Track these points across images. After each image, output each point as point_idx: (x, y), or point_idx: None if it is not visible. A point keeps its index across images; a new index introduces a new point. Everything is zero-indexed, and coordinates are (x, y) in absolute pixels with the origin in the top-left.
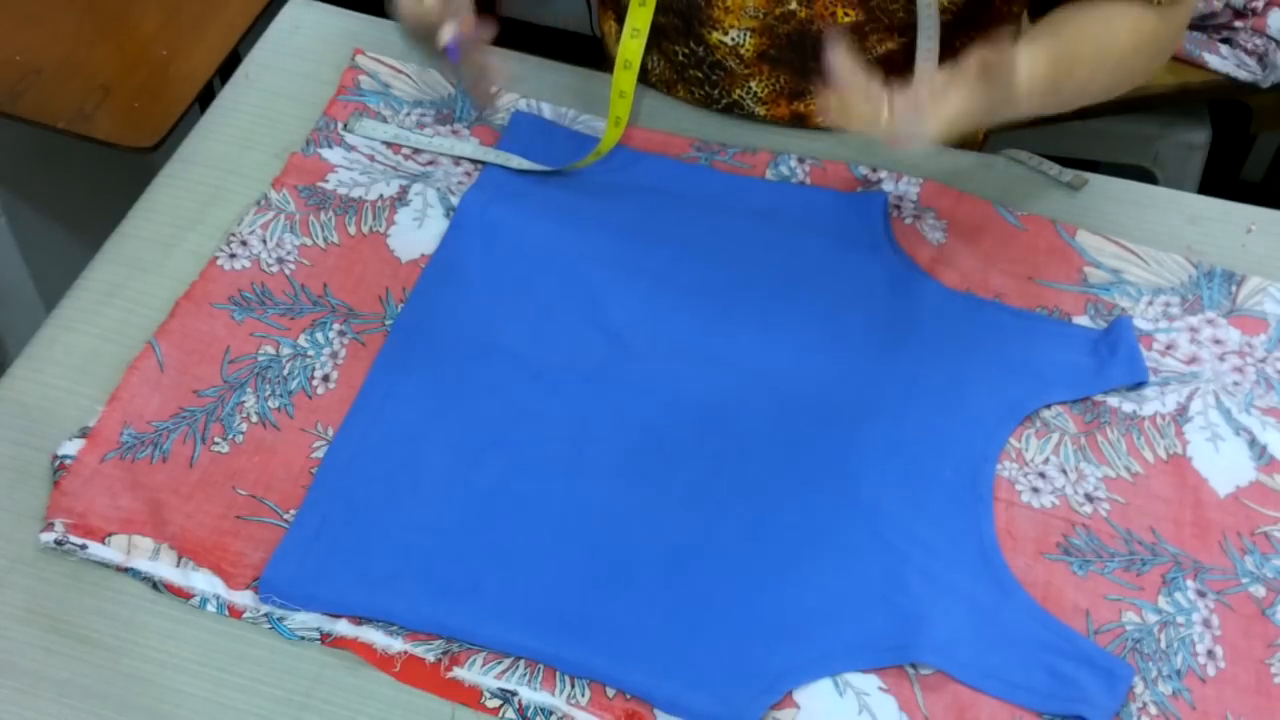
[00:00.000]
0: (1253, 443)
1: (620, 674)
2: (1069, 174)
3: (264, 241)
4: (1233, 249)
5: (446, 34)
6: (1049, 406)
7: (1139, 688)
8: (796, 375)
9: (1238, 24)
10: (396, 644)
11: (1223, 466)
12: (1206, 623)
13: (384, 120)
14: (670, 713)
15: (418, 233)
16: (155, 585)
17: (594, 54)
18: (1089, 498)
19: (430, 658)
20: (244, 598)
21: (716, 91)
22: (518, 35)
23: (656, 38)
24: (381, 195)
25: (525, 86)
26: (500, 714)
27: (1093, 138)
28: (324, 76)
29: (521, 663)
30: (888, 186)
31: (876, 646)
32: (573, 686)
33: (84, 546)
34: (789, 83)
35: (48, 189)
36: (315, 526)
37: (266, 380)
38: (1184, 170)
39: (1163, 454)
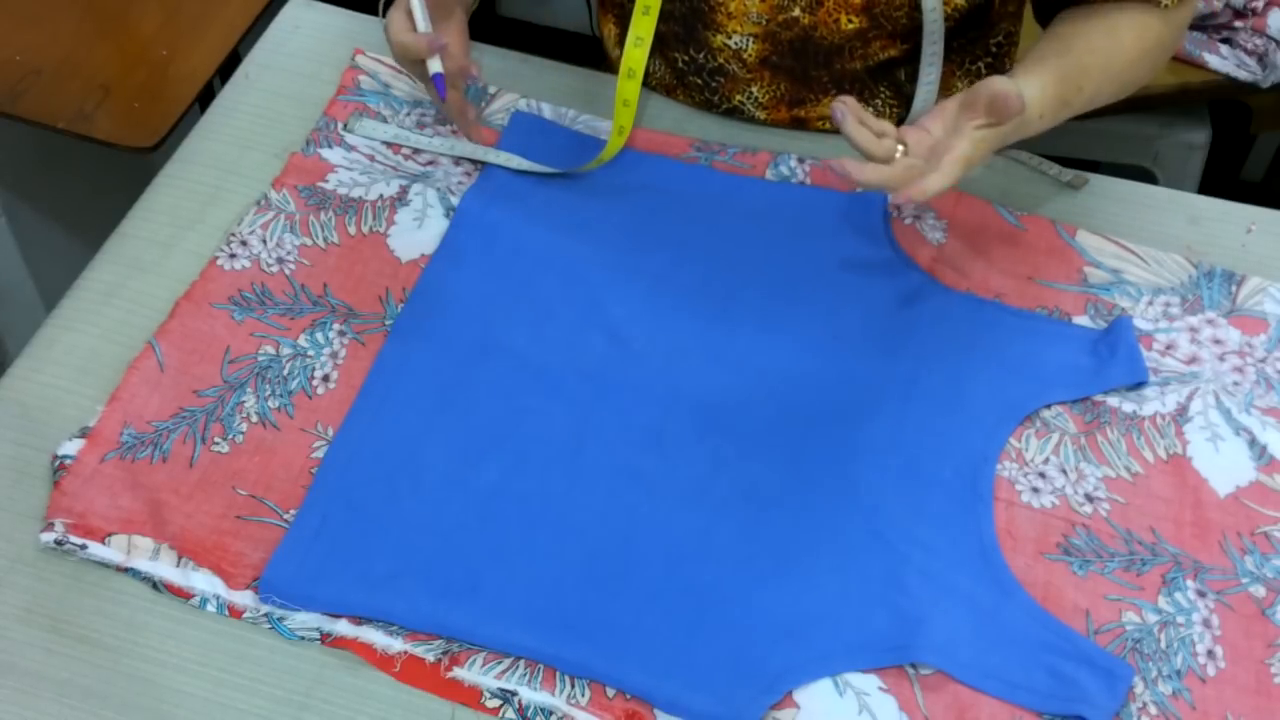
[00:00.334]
0: (1253, 443)
1: (620, 674)
2: (1069, 174)
3: (264, 241)
4: (1233, 249)
5: (435, 65)
6: (1049, 406)
7: (1139, 688)
8: (796, 375)
9: (1238, 24)
10: (396, 644)
11: (1223, 466)
12: (1206, 623)
13: (384, 120)
14: (670, 713)
15: (418, 233)
16: (155, 585)
17: (594, 54)
18: (1089, 498)
19: (430, 658)
20: (244, 598)
21: (717, 97)
22: (518, 35)
23: (657, 44)
24: (381, 195)
25: (525, 86)
26: (500, 714)
27: (1093, 138)
28: (324, 76)
29: (521, 663)
30: None
31: (876, 646)
32: (573, 686)
33: (84, 546)
34: (790, 89)
35: (48, 189)
36: (315, 526)
37: (266, 380)
38: (1184, 170)
39: (1163, 454)
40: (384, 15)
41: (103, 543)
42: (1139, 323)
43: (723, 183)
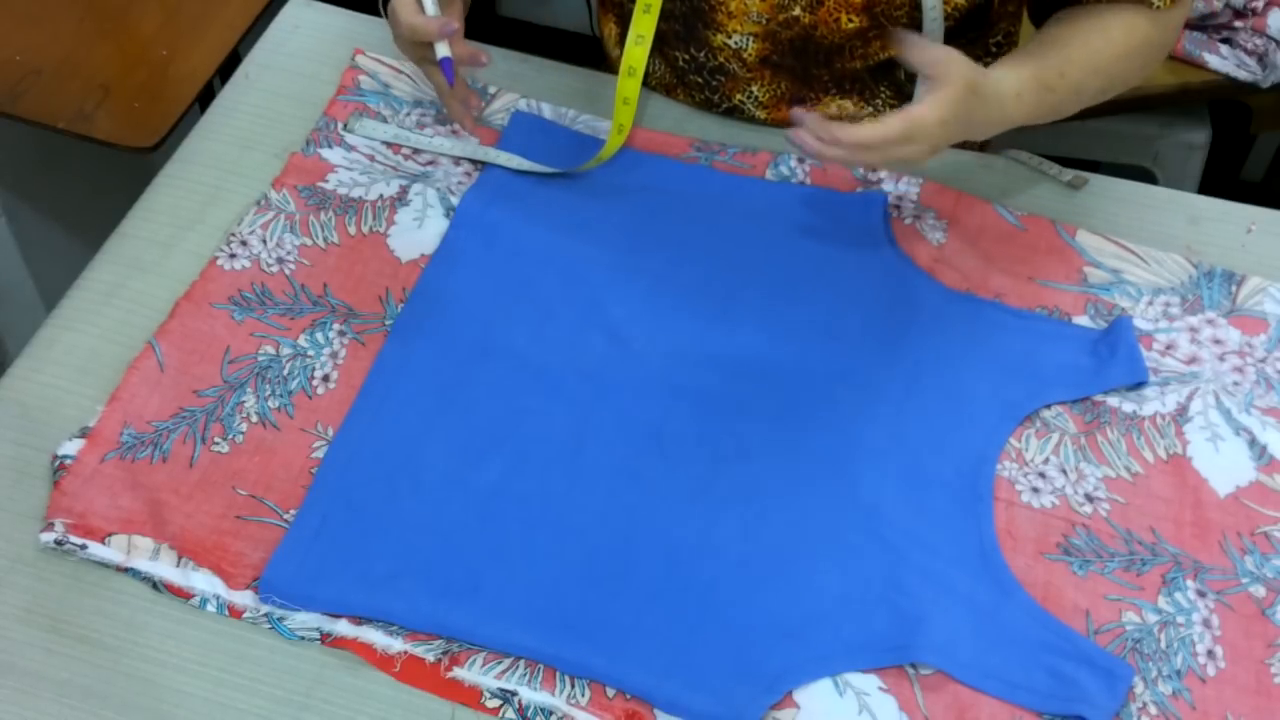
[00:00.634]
0: (1253, 443)
1: (620, 674)
2: (1069, 174)
3: (264, 241)
4: (1233, 249)
5: (443, 49)
6: (1049, 406)
7: (1139, 688)
8: (796, 375)
9: (1238, 24)
10: (396, 644)
11: (1223, 466)
12: (1206, 623)
13: (384, 120)
14: (670, 713)
15: (418, 233)
16: (155, 585)
17: (594, 54)
18: (1089, 498)
19: (430, 658)
20: (244, 598)
21: (717, 96)
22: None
23: (658, 43)
24: (381, 195)
25: (525, 86)
26: (500, 714)
27: (1093, 138)
28: (324, 76)
29: (521, 663)
30: (888, 186)
31: (876, 646)
32: (573, 686)
33: (84, 546)
34: (790, 88)
35: (48, 189)
36: (315, 526)
37: (266, 380)
38: (1184, 170)
39: (1163, 454)
40: (384, 13)
41: (103, 543)
42: (1139, 323)
43: (723, 183)
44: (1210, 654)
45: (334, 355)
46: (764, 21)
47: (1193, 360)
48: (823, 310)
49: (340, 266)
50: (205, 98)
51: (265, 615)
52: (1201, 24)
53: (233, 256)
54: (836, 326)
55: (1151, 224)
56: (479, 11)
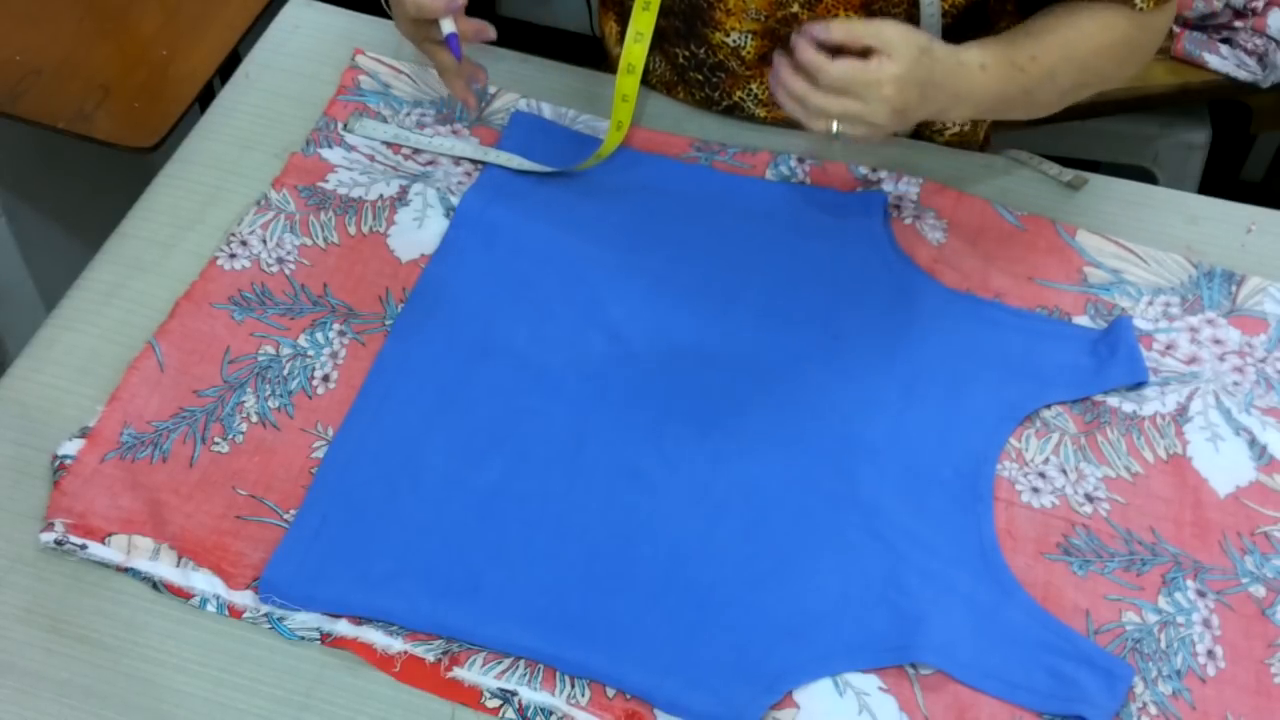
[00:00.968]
0: (1253, 443)
1: (620, 674)
2: (1069, 174)
3: (264, 241)
4: (1233, 249)
5: (448, 25)
6: (1049, 406)
7: (1139, 688)
8: (796, 375)
9: (1238, 24)
10: (396, 644)
11: (1223, 466)
12: (1206, 623)
13: (384, 120)
14: (670, 713)
15: (418, 233)
16: (155, 585)
17: (594, 54)
18: (1089, 498)
19: (430, 658)
20: (244, 598)
21: (717, 94)
22: (518, 35)
23: (658, 40)
24: (381, 195)
25: (525, 86)
26: (500, 714)
27: (1093, 138)
28: (324, 76)
29: (521, 663)
30: (888, 186)
31: (876, 646)
32: (573, 686)
33: (84, 546)
34: None
35: (48, 189)
36: (315, 526)
37: (266, 380)
38: (1184, 170)
39: (1163, 454)
40: (387, 5)
41: (103, 543)
42: (1139, 323)
43: (722, 182)
44: (1210, 654)
45: (334, 355)
46: (763, 19)
47: (1193, 360)
48: (822, 310)
49: (340, 266)
50: (205, 98)
51: (265, 615)
52: (1201, 24)
53: (233, 256)
54: (836, 327)
55: (1151, 224)
56: (479, 12)
